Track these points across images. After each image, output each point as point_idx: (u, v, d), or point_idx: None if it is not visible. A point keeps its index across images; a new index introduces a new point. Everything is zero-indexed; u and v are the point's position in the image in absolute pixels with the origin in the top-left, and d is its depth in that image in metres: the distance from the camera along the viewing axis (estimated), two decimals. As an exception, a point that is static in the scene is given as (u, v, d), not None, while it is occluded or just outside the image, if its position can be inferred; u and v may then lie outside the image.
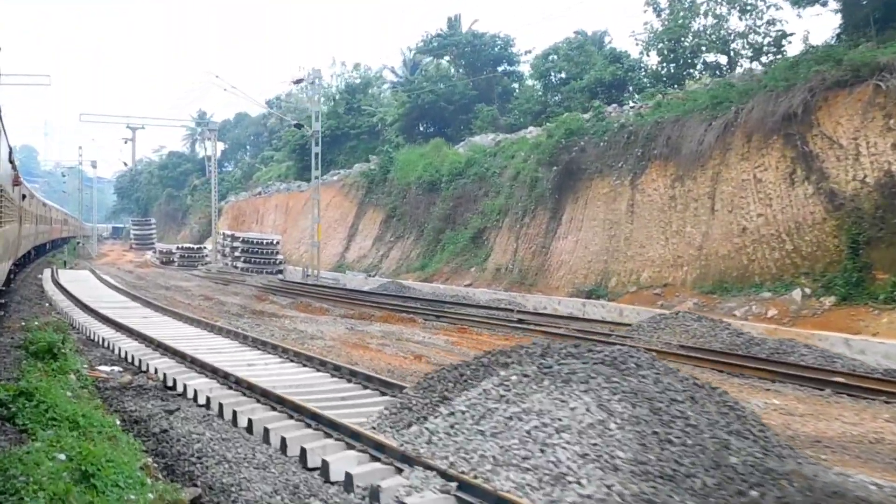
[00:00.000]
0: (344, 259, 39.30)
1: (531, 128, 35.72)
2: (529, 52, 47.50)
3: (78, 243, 60.28)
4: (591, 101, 38.72)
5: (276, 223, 49.15)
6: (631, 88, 37.79)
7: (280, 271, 40.24)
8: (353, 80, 59.79)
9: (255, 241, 39.93)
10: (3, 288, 17.12)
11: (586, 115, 28.11)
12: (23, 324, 15.00)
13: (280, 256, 40.38)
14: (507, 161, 32.20)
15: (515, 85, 47.84)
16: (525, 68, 47.80)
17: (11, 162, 15.92)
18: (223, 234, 43.24)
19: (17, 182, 17.17)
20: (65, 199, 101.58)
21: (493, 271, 28.51)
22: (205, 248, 47.83)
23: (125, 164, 48.75)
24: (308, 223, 44.09)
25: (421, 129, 50.90)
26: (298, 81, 34.92)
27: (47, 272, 33.48)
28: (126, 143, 45.89)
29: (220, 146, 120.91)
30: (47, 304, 20.51)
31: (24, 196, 21.47)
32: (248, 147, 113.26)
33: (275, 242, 40.24)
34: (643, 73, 37.35)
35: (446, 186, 34.19)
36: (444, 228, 33.24)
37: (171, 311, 18.31)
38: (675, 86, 32.97)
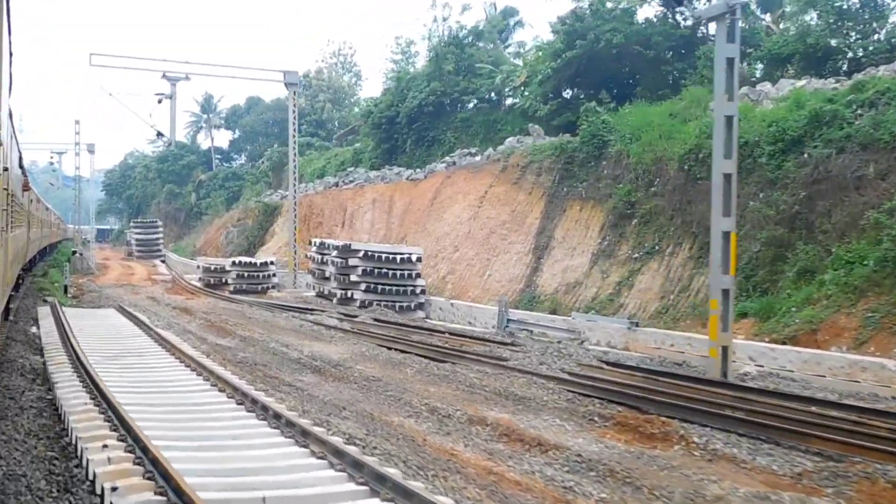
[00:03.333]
0: (533, 286, 23.93)
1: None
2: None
3: (74, 252, 44.24)
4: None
5: (375, 226, 33.52)
6: None
7: (420, 305, 24.85)
8: (460, 28, 43.96)
9: (383, 255, 24.45)
10: (13, 293, 17.02)
11: None
12: None
13: (421, 282, 24.92)
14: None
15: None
16: None
17: (21, 167, 16.10)
18: (317, 242, 27.65)
19: (26, 187, 17.22)
20: (44, 194, 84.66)
21: None
22: (270, 262, 32.22)
23: (159, 135, 31.79)
24: (447, 227, 28.70)
25: (568, 92, 35.65)
26: None
27: (47, 318, 18.06)
28: (160, 102, 29.85)
29: (228, 135, 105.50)
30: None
31: (31, 201, 21.04)
32: (260, 137, 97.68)
33: (414, 259, 24.77)
34: None
35: (772, 164, 19.10)
36: (790, 239, 18.12)
37: None
38: None
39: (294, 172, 30.02)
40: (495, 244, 26.05)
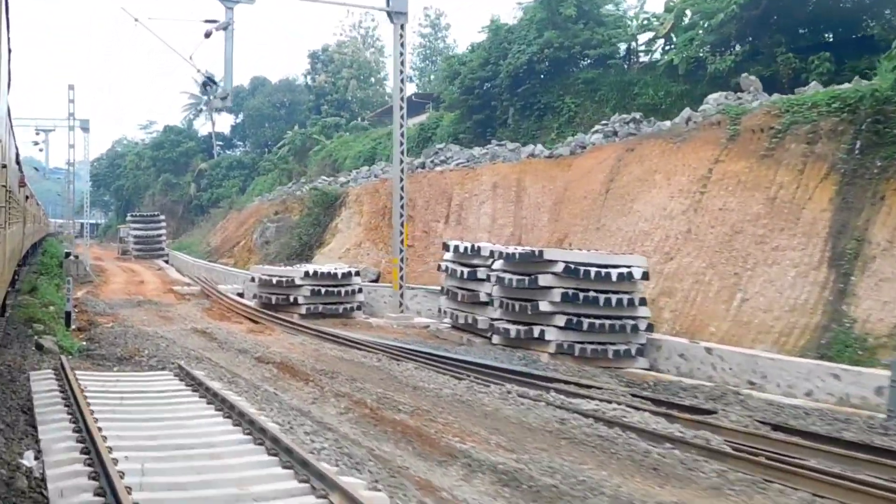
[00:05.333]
0: (843, 320, 14.67)
1: None
2: None
3: (68, 255, 34.37)
4: None
5: (497, 222, 24.08)
6: None
7: (641, 350, 15.51)
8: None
9: (592, 271, 15.09)
10: (10, 289, 16.62)
11: None
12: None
13: (645, 312, 15.57)
14: None
15: None
16: None
17: (18, 163, 16.25)
18: (460, 247, 18.18)
19: (22, 183, 17.18)
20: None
21: None
22: (355, 273, 22.74)
23: (208, 84, 22.90)
24: (644, 224, 19.31)
25: (760, 45, 26.05)
26: None
27: (54, 416, 8.38)
28: (209, 35, 21.64)
29: (230, 120, 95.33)
30: None
31: (26, 197, 20.43)
32: (266, 122, 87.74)
33: (637, 276, 15.43)
34: None
35: None
36: None
37: None
38: None
39: (401, 143, 20.35)
40: (746, 250, 16.75)
